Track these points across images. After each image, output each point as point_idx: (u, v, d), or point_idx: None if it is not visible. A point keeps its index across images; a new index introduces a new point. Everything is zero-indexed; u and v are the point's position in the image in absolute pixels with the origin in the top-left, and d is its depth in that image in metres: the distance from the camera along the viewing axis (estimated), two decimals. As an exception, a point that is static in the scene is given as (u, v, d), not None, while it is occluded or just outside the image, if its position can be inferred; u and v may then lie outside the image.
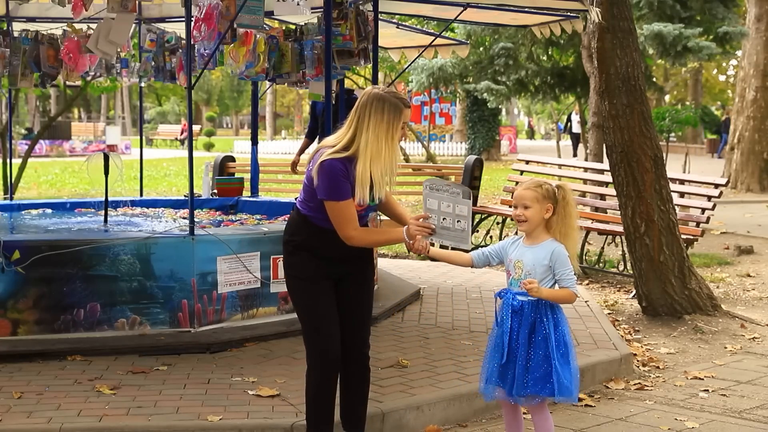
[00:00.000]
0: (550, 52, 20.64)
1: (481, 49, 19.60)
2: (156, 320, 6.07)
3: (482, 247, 5.01)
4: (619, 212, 7.95)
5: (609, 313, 7.65)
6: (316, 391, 4.23)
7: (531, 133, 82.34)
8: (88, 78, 10.05)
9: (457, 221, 4.04)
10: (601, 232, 9.93)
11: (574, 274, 4.18)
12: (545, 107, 35.33)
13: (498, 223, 11.57)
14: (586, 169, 13.23)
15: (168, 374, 5.37)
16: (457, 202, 4.01)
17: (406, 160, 28.74)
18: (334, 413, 4.30)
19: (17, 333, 5.88)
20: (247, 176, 9.95)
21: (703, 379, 5.94)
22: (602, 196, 11.39)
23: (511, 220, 4.18)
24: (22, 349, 5.71)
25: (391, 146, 4.07)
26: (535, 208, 4.17)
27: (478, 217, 11.16)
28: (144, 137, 10.49)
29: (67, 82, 9.43)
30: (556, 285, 4.17)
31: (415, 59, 10.11)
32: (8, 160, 10.78)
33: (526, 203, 4.18)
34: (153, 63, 9.20)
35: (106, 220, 7.54)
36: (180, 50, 8.77)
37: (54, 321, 5.92)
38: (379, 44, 8.17)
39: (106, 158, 7.41)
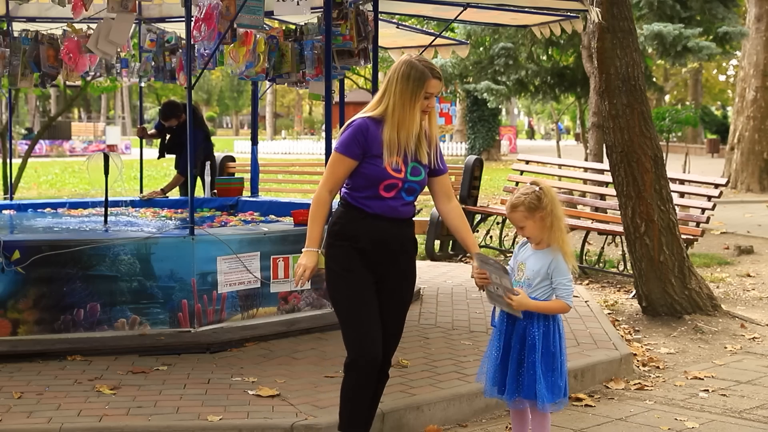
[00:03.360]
0: (550, 52, 20.65)
1: (481, 49, 19.62)
2: (156, 320, 6.07)
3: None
4: (619, 212, 7.95)
5: (609, 313, 7.65)
6: (352, 394, 4.10)
7: (531, 133, 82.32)
8: (88, 78, 10.05)
9: (500, 291, 4.11)
10: (601, 232, 9.93)
11: (571, 274, 4.16)
12: (545, 107, 35.32)
13: (498, 223, 11.57)
14: (586, 169, 13.23)
15: (168, 374, 5.37)
16: (501, 276, 4.05)
17: None
18: (371, 418, 4.25)
19: (17, 333, 5.87)
20: (247, 176, 9.94)
21: (703, 379, 5.94)
22: (602, 196, 11.39)
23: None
24: (22, 349, 5.70)
25: (412, 114, 4.01)
26: (530, 225, 4.13)
27: (478, 217, 11.15)
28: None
29: (67, 82, 9.43)
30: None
31: (415, 59, 10.07)
32: (8, 160, 10.79)
33: (519, 224, 4.17)
34: (153, 63, 9.20)
35: (106, 220, 7.54)
36: (180, 50, 8.77)
37: (54, 321, 5.92)
38: (379, 44, 8.17)
39: (106, 158, 7.40)
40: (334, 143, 4.14)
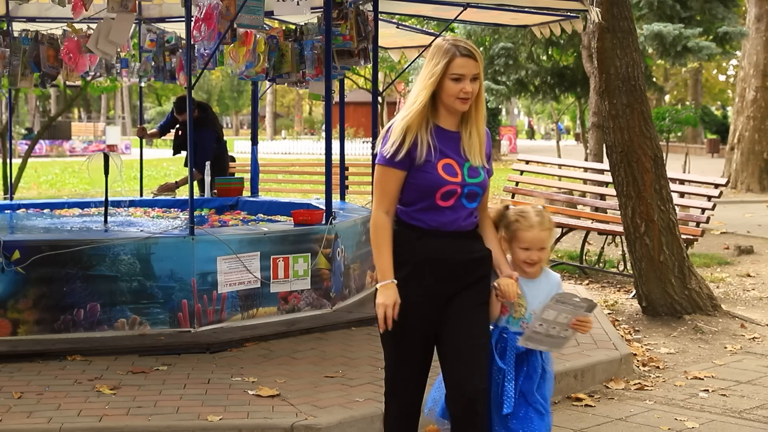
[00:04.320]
0: (550, 52, 20.66)
1: (481, 49, 19.59)
2: (156, 320, 6.07)
3: None
4: (619, 212, 7.95)
5: (609, 313, 7.65)
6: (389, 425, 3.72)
7: (531, 133, 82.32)
8: (88, 78, 10.07)
9: (565, 330, 3.68)
10: (601, 232, 9.94)
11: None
12: (545, 107, 35.33)
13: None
14: (586, 169, 13.24)
15: (168, 374, 5.36)
16: (576, 315, 3.64)
17: None
18: None
19: (17, 333, 5.87)
20: (247, 176, 9.96)
21: (703, 379, 5.94)
22: (602, 196, 11.39)
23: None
24: (22, 349, 5.70)
25: (421, 97, 3.46)
26: (548, 247, 3.78)
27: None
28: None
29: (67, 82, 9.44)
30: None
31: (415, 59, 10.12)
32: (8, 160, 10.79)
33: (544, 245, 3.72)
34: (153, 63, 9.22)
35: (106, 220, 7.54)
36: (180, 50, 8.78)
37: (54, 321, 5.92)
38: (379, 44, 8.18)
39: (106, 158, 7.41)
40: (377, 153, 3.55)
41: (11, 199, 9.57)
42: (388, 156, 3.47)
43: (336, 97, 8.47)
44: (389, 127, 3.52)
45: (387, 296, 3.47)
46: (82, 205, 9.02)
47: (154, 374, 5.36)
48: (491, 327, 3.71)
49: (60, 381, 5.19)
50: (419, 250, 3.51)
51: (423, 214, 3.52)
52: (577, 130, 56.14)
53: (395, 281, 3.48)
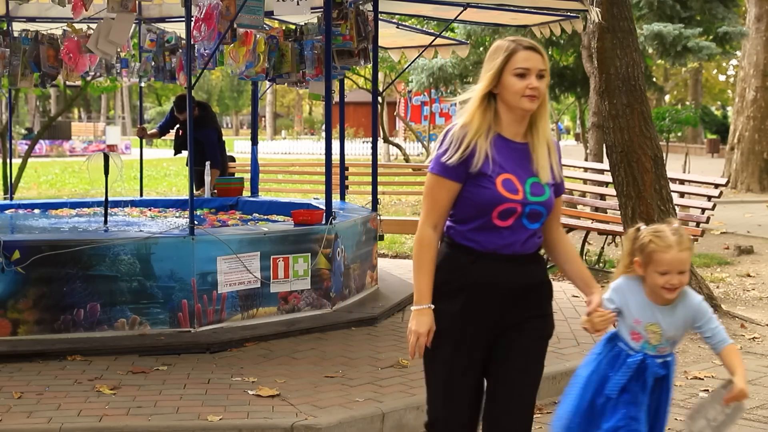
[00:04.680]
0: (550, 52, 20.64)
1: (481, 49, 19.60)
2: (156, 320, 6.07)
3: None
4: (619, 212, 7.95)
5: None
6: None
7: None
8: (88, 78, 10.08)
9: (727, 408, 3.41)
10: (601, 232, 9.93)
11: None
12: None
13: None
14: (586, 169, 13.23)
15: (168, 374, 5.36)
16: (723, 395, 3.37)
17: (406, 160, 28.75)
18: None
19: (17, 333, 5.87)
20: (247, 176, 9.96)
21: (703, 379, 5.93)
22: (602, 196, 11.38)
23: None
24: (22, 349, 5.70)
25: (479, 94, 3.13)
26: (688, 270, 3.39)
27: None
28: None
29: (67, 82, 9.44)
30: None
31: (415, 59, 10.12)
32: (8, 160, 10.80)
33: (683, 267, 3.34)
34: (153, 63, 9.22)
35: (106, 221, 7.54)
36: (180, 50, 8.78)
37: (54, 321, 5.91)
38: (379, 44, 8.18)
39: (106, 158, 7.41)
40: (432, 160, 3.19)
41: (11, 199, 9.56)
42: (441, 164, 3.12)
43: (336, 97, 8.47)
44: (446, 132, 3.15)
45: (421, 323, 3.13)
46: (80, 205, 9.02)
47: (154, 374, 5.35)
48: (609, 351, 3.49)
49: (60, 381, 5.19)
50: (474, 275, 3.13)
51: (478, 235, 3.13)
52: (577, 130, 56.14)
53: (432, 306, 3.14)
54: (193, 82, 6.47)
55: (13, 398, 4.86)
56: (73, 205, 9.05)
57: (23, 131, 42.06)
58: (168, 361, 5.61)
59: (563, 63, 20.64)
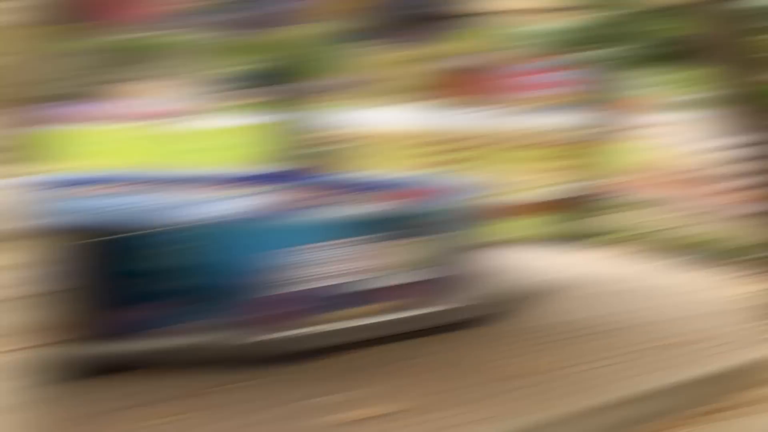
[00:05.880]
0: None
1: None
2: (217, 325, 5.17)
3: None
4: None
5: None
6: None
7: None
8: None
9: None
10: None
11: None
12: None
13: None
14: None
15: (242, 393, 4.62)
16: None
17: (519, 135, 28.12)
18: None
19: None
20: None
21: None
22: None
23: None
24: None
25: None
26: None
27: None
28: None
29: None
30: None
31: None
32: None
33: None
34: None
35: (153, 204, 6.57)
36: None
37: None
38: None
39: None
40: None
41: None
42: None
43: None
44: None
45: None
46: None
47: (217, 394, 4.60)
48: None
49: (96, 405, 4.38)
50: None
51: None
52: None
53: None
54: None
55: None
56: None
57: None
58: (236, 377, 4.82)
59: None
